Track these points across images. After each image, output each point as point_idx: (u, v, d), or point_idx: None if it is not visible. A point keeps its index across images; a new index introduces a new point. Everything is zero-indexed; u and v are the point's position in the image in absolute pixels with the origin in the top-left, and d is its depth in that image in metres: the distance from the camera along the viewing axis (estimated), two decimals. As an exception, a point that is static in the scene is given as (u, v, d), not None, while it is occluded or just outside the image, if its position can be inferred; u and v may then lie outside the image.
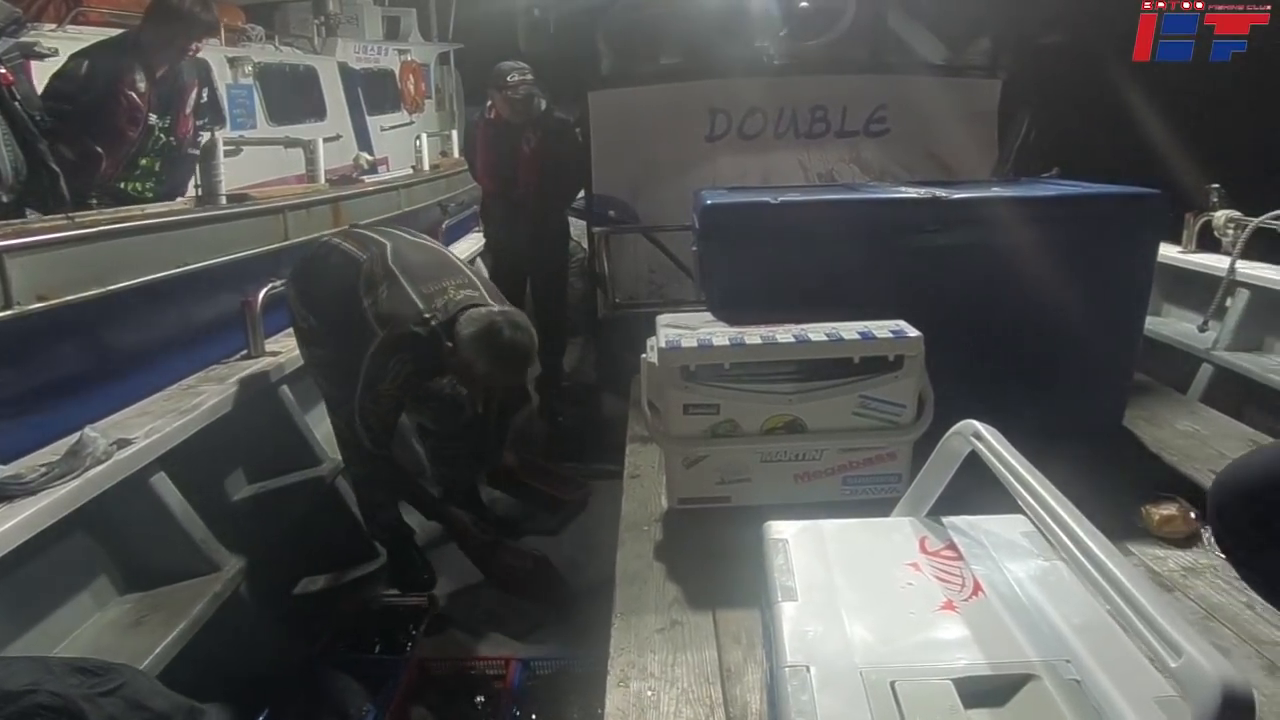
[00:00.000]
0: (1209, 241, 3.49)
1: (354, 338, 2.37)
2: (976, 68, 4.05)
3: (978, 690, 0.79)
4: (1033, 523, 0.94)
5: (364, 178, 5.40)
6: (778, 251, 2.20)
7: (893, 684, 0.79)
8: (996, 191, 2.45)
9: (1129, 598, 0.71)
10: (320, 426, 3.05)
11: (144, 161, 3.31)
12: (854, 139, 3.86)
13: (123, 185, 3.28)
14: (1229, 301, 3.22)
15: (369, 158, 6.62)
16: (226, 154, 3.63)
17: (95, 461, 2.07)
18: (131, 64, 3.15)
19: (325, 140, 4.90)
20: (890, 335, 1.84)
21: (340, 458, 2.90)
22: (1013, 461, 0.97)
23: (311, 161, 4.57)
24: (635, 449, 2.35)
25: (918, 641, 0.86)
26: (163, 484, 2.32)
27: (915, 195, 2.27)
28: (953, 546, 1.04)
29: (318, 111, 8.82)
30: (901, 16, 3.91)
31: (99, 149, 3.10)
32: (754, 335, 1.87)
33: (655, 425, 1.92)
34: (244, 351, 3.03)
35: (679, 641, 1.49)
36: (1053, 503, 0.87)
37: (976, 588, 0.95)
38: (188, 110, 3.40)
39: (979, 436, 1.05)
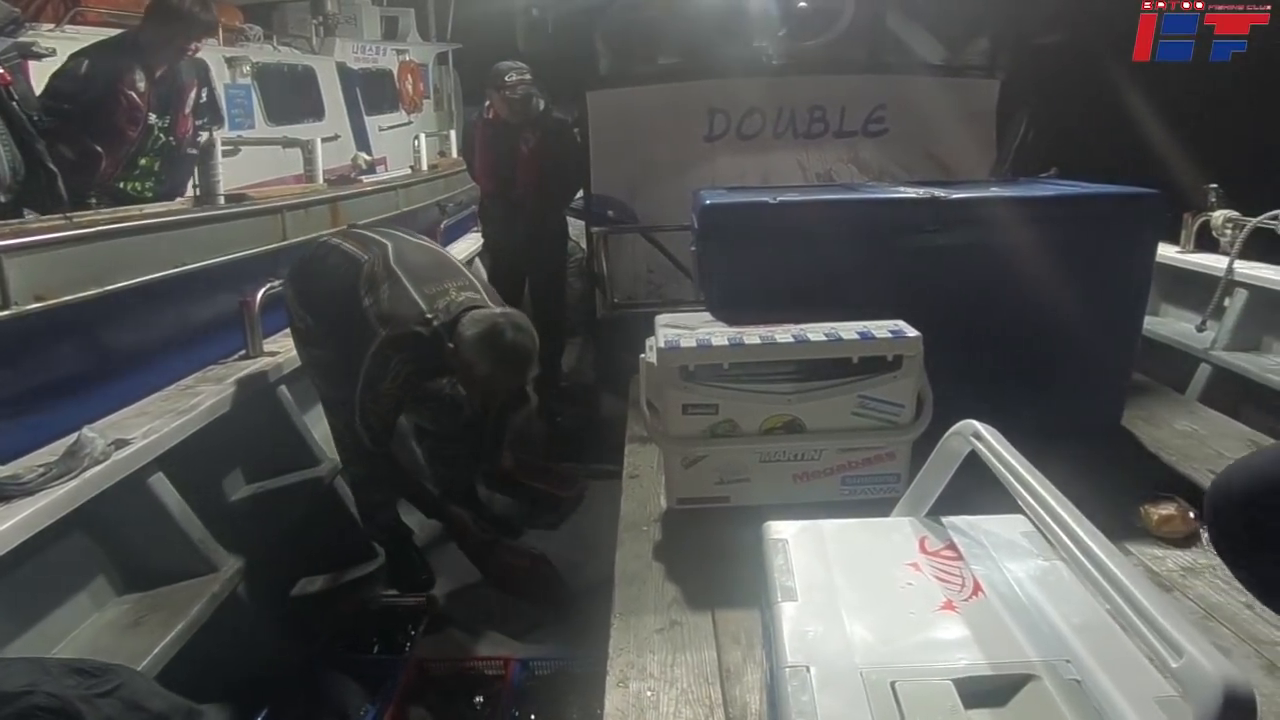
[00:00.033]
0: (1207, 241, 3.50)
1: (354, 338, 2.37)
2: (975, 68, 4.04)
3: (978, 690, 0.79)
4: (1033, 523, 0.94)
5: (362, 178, 5.40)
6: (777, 251, 2.19)
7: (893, 684, 0.79)
8: (995, 191, 2.45)
9: (1130, 598, 0.71)
10: (318, 427, 3.05)
11: (143, 161, 3.31)
12: (852, 139, 3.86)
13: (122, 185, 3.28)
14: (1227, 301, 3.22)
15: (367, 158, 6.61)
16: (224, 154, 3.64)
17: (93, 462, 2.07)
18: (131, 63, 3.15)
19: (323, 140, 4.90)
20: (889, 335, 1.83)
21: (338, 458, 2.90)
22: (1012, 461, 0.97)
23: (309, 161, 4.57)
24: (634, 449, 2.34)
25: (918, 642, 0.86)
26: (161, 484, 2.32)
27: (914, 195, 2.27)
28: (953, 546, 1.04)
29: (316, 111, 8.81)
30: (900, 16, 3.91)
31: (99, 148, 3.10)
32: (753, 335, 1.87)
33: (654, 425, 1.92)
34: (242, 352, 3.02)
35: (678, 642, 1.49)
36: (1053, 503, 0.87)
37: (976, 588, 0.95)
38: (187, 110, 3.40)
39: (979, 436, 1.05)
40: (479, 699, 2.30)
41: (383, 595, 2.79)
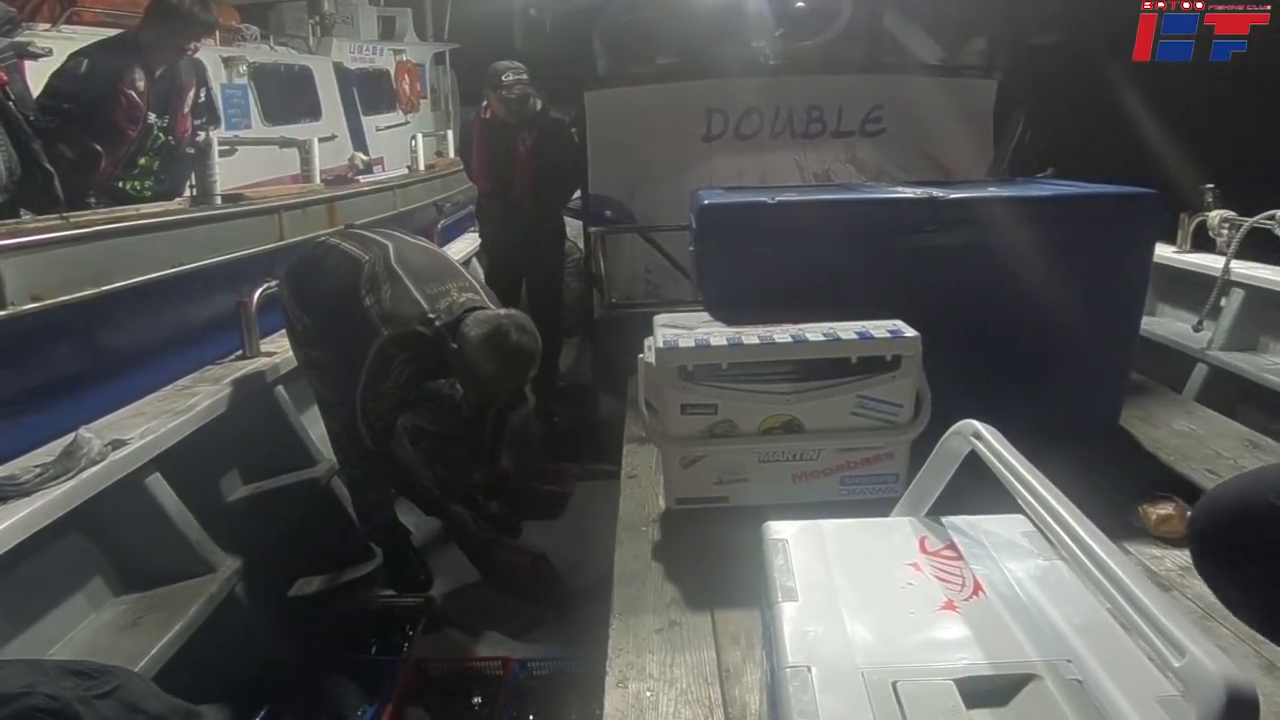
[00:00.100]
0: (1204, 241, 3.51)
1: (354, 337, 2.37)
2: (972, 68, 4.05)
3: (979, 690, 0.79)
4: (1033, 522, 0.94)
5: (359, 178, 5.38)
6: (775, 251, 2.19)
7: (894, 684, 0.78)
8: (993, 191, 2.46)
9: (1131, 597, 0.71)
10: (316, 427, 3.04)
11: (143, 161, 3.31)
12: (850, 139, 3.86)
13: (121, 185, 3.27)
14: (1224, 301, 3.23)
15: (364, 158, 6.59)
16: (221, 154, 3.63)
17: (90, 462, 2.07)
18: (131, 63, 3.15)
19: (320, 140, 4.88)
20: (888, 335, 1.84)
21: (335, 459, 2.90)
22: (1013, 461, 0.97)
23: (307, 161, 4.55)
24: (632, 449, 2.34)
25: (919, 641, 0.86)
26: (158, 485, 2.31)
27: (912, 195, 2.28)
28: (953, 546, 1.04)
29: (313, 111, 8.80)
30: (897, 17, 3.91)
31: (98, 147, 3.10)
32: (751, 335, 1.87)
33: (653, 425, 1.92)
34: (239, 352, 3.02)
35: (677, 642, 1.48)
36: (1054, 503, 0.87)
37: (977, 588, 0.95)
38: (186, 109, 3.40)
39: (979, 436, 1.05)
40: (477, 699, 2.30)
41: (380, 595, 2.79)
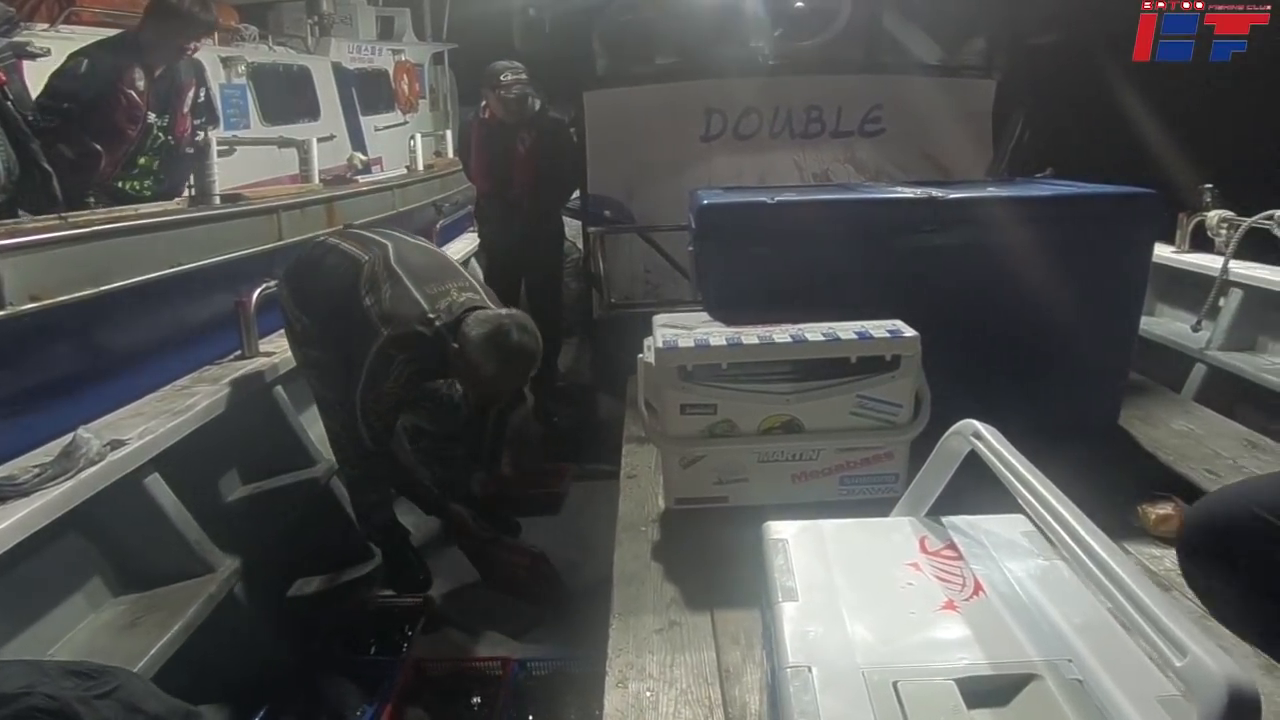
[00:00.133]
0: (1202, 241, 3.51)
1: (353, 337, 2.37)
2: (971, 68, 4.06)
3: (980, 690, 0.79)
4: (1033, 522, 0.94)
5: (358, 178, 5.38)
6: (774, 251, 2.19)
7: (895, 684, 0.78)
8: (992, 191, 2.46)
9: (1132, 597, 0.71)
10: (314, 427, 3.04)
11: (142, 160, 3.31)
12: (849, 139, 3.86)
13: (121, 184, 3.27)
14: (1222, 301, 3.23)
15: (363, 158, 6.59)
16: (220, 154, 3.62)
17: (89, 462, 2.07)
18: (131, 62, 3.15)
19: (319, 140, 4.88)
20: (887, 335, 1.84)
21: (334, 459, 2.89)
22: (1013, 461, 0.97)
23: (305, 161, 4.55)
24: (632, 449, 2.34)
25: (919, 641, 0.86)
26: (156, 485, 2.31)
27: (912, 195, 2.28)
28: (953, 546, 1.04)
29: (311, 111, 8.79)
30: (896, 16, 3.92)
31: (98, 147, 3.10)
32: (751, 335, 1.87)
33: (652, 425, 1.92)
34: (238, 352, 3.02)
35: (677, 642, 1.48)
36: (1054, 502, 0.87)
37: (977, 587, 0.95)
38: (185, 109, 3.40)
39: (979, 436, 1.04)
40: (476, 699, 2.30)
41: (379, 596, 2.79)
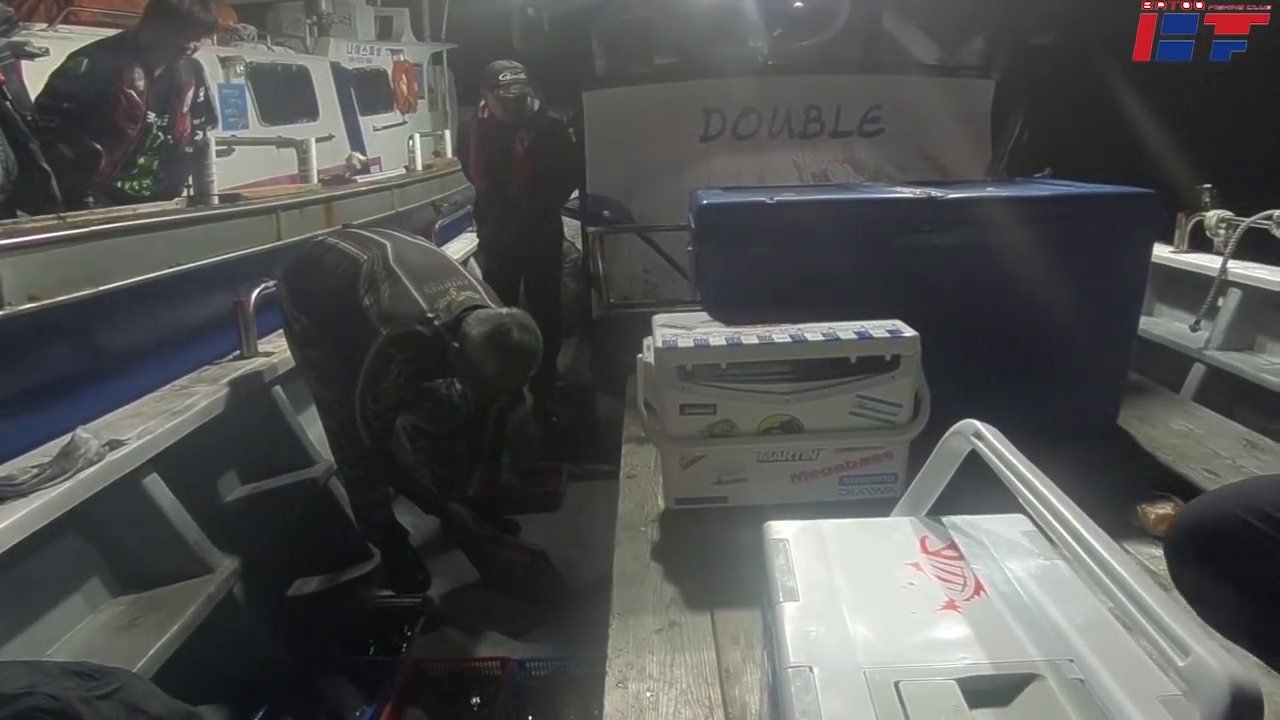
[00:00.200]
0: (1201, 241, 3.51)
1: (352, 337, 2.36)
2: (970, 68, 4.06)
3: (981, 690, 0.78)
4: (1034, 522, 0.94)
5: (357, 178, 5.38)
6: (774, 251, 2.19)
7: (897, 684, 0.78)
8: (991, 191, 2.46)
9: (1134, 596, 0.71)
10: (313, 427, 3.04)
11: (142, 160, 3.31)
12: (848, 139, 3.87)
13: (120, 184, 3.27)
14: (1221, 301, 3.23)
15: (362, 158, 6.59)
16: (218, 154, 3.62)
17: (87, 463, 2.06)
18: (130, 62, 3.15)
19: (318, 140, 4.88)
20: (887, 335, 1.84)
21: (333, 459, 2.89)
22: (1014, 461, 0.97)
23: (304, 161, 4.55)
24: (631, 449, 2.34)
25: (921, 641, 0.86)
26: (155, 485, 2.31)
27: (911, 195, 2.28)
28: (953, 546, 1.04)
29: (310, 111, 8.78)
30: (895, 16, 3.92)
31: (98, 147, 3.10)
32: (751, 335, 1.87)
33: (652, 425, 1.92)
34: (237, 352, 3.02)
35: (677, 642, 1.48)
36: (1055, 502, 0.87)
37: (978, 587, 0.94)
38: (185, 109, 3.40)
39: (979, 436, 1.04)
40: (476, 700, 2.30)
41: (379, 596, 2.79)
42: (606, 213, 3.87)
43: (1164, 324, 3.56)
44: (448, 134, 8.60)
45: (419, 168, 6.58)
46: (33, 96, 3.14)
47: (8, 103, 2.74)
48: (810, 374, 1.85)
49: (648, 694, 1.35)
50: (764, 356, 1.84)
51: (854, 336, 1.83)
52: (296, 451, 3.06)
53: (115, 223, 2.72)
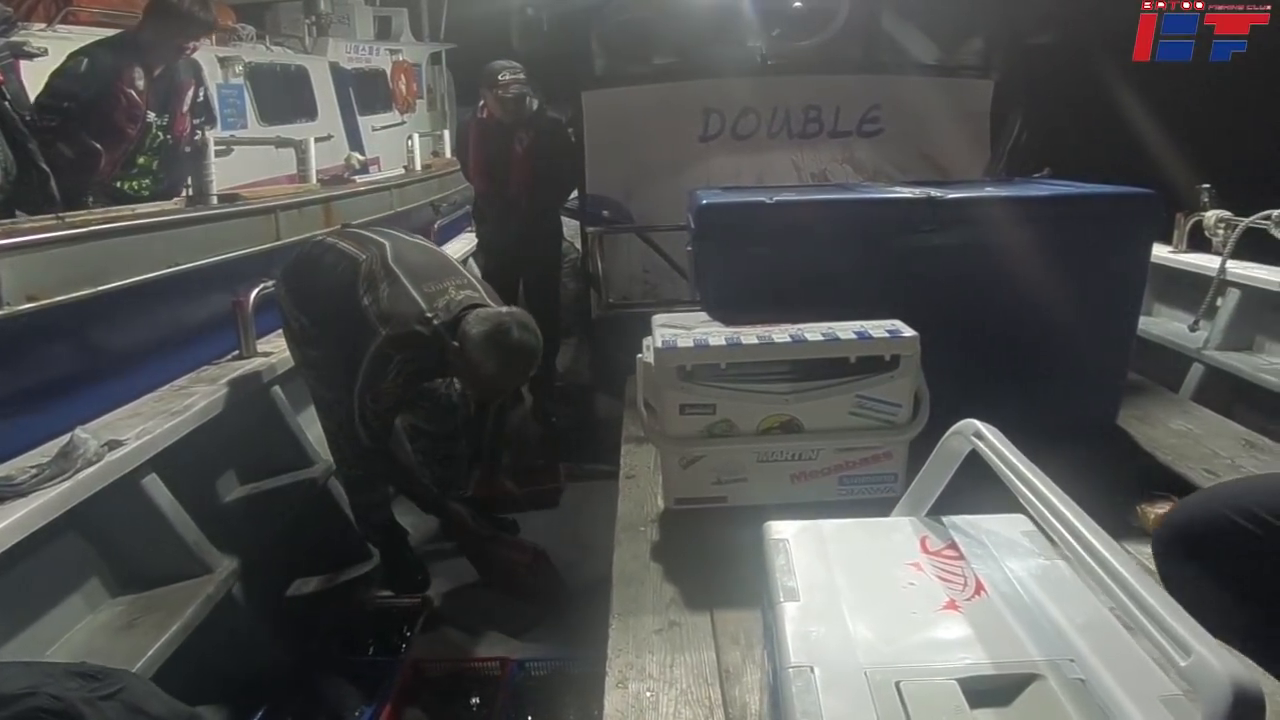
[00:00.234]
0: (1199, 241, 3.51)
1: (352, 337, 2.36)
2: (969, 68, 4.06)
3: (982, 690, 0.78)
4: (1035, 522, 0.94)
5: (355, 178, 5.38)
6: (773, 251, 2.19)
7: (898, 684, 0.78)
8: (991, 191, 2.46)
9: (1135, 596, 0.71)
10: (312, 427, 3.04)
11: (141, 160, 3.32)
12: (847, 139, 3.87)
13: (120, 184, 3.27)
14: (1219, 301, 3.23)
15: (360, 158, 6.59)
16: (217, 154, 3.62)
17: (86, 463, 2.06)
18: (130, 62, 3.15)
19: (316, 140, 4.88)
20: (886, 335, 1.83)
21: (332, 459, 2.89)
22: (1015, 461, 0.97)
23: (303, 161, 4.55)
24: (631, 449, 2.34)
25: (921, 641, 0.86)
26: (154, 485, 2.31)
27: (910, 195, 2.28)
28: (954, 546, 1.03)
29: (309, 111, 8.78)
30: (894, 16, 3.92)
31: (98, 146, 3.10)
32: (750, 335, 1.87)
33: (651, 425, 1.92)
34: (235, 352, 3.02)
35: (677, 642, 1.48)
36: (1057, 502, 0.87)
37: (979, 587, 0.94)
38: (185, 109, 3.40)
39: (980, 436, 1.04)
40: (475, 700, 2.30)
41: (378, 596, 2.79)
42: (606, 213, 3.87)
43: (1163, 324, 3.56)
44: (446, 134, 8.60)
45: (418, 168, 6.58)
46: (31, 96, 3.14)
47: (6, 103, 2.74)
48: (810, 374, 1.85)
49: (648, 694, 1.35)
50: (763, 356, 1.83)
51: (853, 336, 1.83)
52: (295, 452, 3.06)
53: (114, 223, 2.72)
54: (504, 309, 2.36)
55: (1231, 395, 3.04)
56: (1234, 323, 3.19)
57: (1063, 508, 0.86)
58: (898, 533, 1.09)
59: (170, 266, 2.89)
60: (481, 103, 4.00)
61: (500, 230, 4.17)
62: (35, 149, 2.79)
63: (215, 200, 3.39)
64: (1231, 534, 1.24)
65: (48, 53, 3.31)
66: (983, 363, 2.10)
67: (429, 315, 2.29)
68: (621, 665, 1.43)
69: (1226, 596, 1.21)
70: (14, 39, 3.17)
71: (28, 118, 2.87)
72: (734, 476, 1.90)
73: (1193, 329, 3.25)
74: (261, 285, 2.94)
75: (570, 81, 3.88)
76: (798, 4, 4.19)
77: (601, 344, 4.09)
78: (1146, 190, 2.26)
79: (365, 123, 9.92)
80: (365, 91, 10.11)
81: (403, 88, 11.17)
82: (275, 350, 3.02)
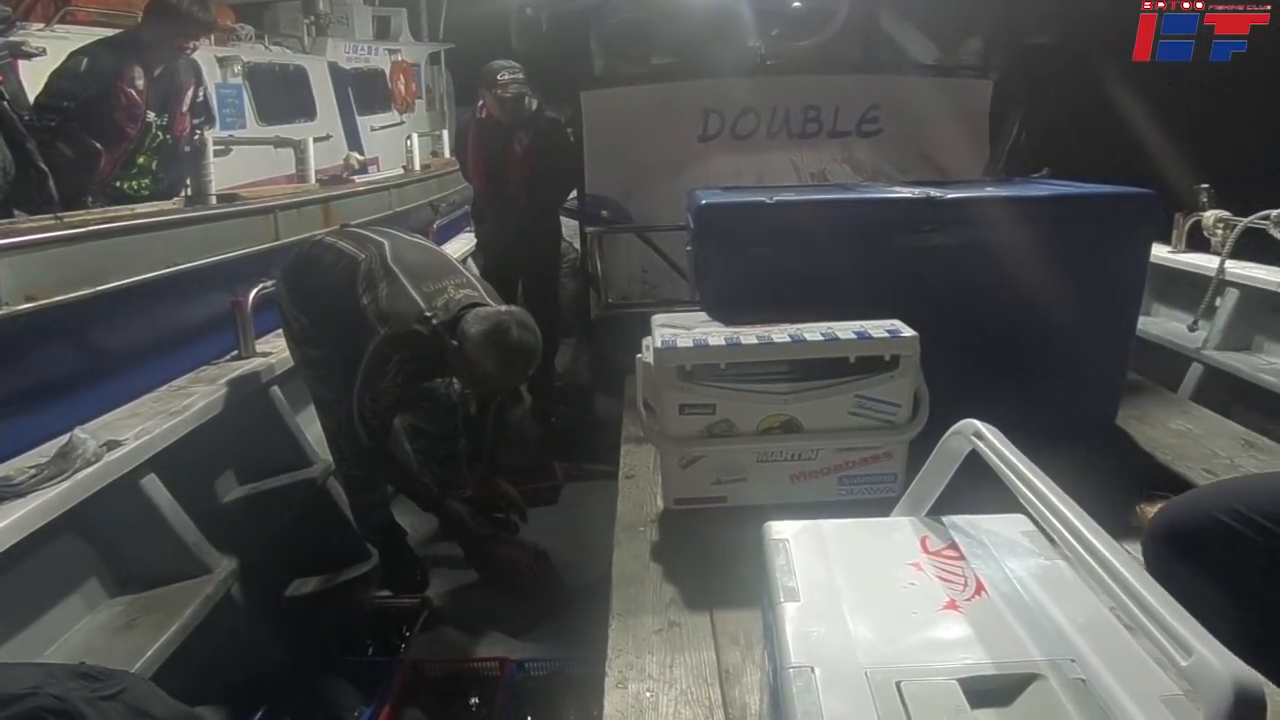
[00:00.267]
0: (1198, 241, 3.51)
1: (351, 336, 2.36)
2: (968, 68, 4.06)
3: (983, 690, 0.78)
4: (1035, 522, 0.94)
5: (354, 178, 5.38)
6: (773, 251, 2.19)
7: (898, 684, 0.78)
8: (990, 191, 2.46)
9: (1136, 596, 0.71)
10: (311, 428, 3.04)
11: (141, 159, 3.32)
12: (846, 139, 3.87)
13: (120, 184, 3.27)
14: (1218, 301, 3.23)
15: (359, 158, 6.58)
16: (216, 154, 3.62)
17: (85, 463, 2.06)
18: (130, 61, 3.15)
19: (315, 140, 4.88)
20: (886, 335, 1.83)
21: (331, 459, 2.89)
22: (1015, 461, 0.97)
23: (301, 161, 4.55)
24: (630, 449, 2.34)
25: (922, 641, 0.86)
26: (153, 486, 2.31)
27: (909, 195, 2.27)
28: (954, 546, 1.03)
29: (308, 111, 8.78)
30: (893, 16, 3.92)
31: (98, 146, 3.10)
32: (750, 335, 1.87)
33: (651, 425, 1.92)
34: (234, 352, 3.02)
35: (677, 643, 1.48)
36: (1057, 502, 0.87)
37: (979, 587, 0.94)
38: (184, 109, 3.40)
39: (980, 436, 1.04)
40: (474, 700, 2.29)
41: (377, 596, 2.78)
42: (605, 213, 3.86)
43: (1162, 324, 3.57)
44: (445, 134, 8.61)
45: (417, 168, 6.58)
46: (30, 96, 3.14)
47: (5, 103, 2.74)
48: (809, 374, 1.85)
49: (647, 694, 1.35)
50: (763, 356, 1.83)
51: (853, 336, 1.83)
52: (294, 452, 3.06)
53: (112, 223, 2.72)
54: (503, 308, 2.36)
55: (1230, 395, 3.04)
56: (1233, 323, 3.19)
57: (1063, 508, 0.86)
58: (898, 533, 1.09)
59: (169, 266, 2.89)
60: (480, 103, 4.00)
61: (499, 230, 4.17)
62: (34, 149, 2.79)
63: (214, 200, 3.39)
64: (1217, 532, 1.24)
65: (46, 52, 3.31)
66: (982, 363, 2.10)
67: (428, 314, 2.29)
68: (621, 665, 1.43)
69: (1214, 596, 1.21)
70: (12, 39, 3.18)
71: (26, 117, 2.87)
72: (733, 476, 1.90)
73: (1192, 329, 3.25)
74: (260, 285, 2.94)
75: (569, 81, 3.88)
76: (797, 4, 4.19)
77: (600, 344, 4.08)
78: (1146, 190, 2.26)
79: (364, 123, 9.93)
80: (364, 91, 10.12)
81: (401, 88, 11.17)
82: (274, 350, 3.02)
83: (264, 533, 2.69)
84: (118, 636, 2.07)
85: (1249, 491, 1.30)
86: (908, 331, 1.85)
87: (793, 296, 2.06)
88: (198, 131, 3.49)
